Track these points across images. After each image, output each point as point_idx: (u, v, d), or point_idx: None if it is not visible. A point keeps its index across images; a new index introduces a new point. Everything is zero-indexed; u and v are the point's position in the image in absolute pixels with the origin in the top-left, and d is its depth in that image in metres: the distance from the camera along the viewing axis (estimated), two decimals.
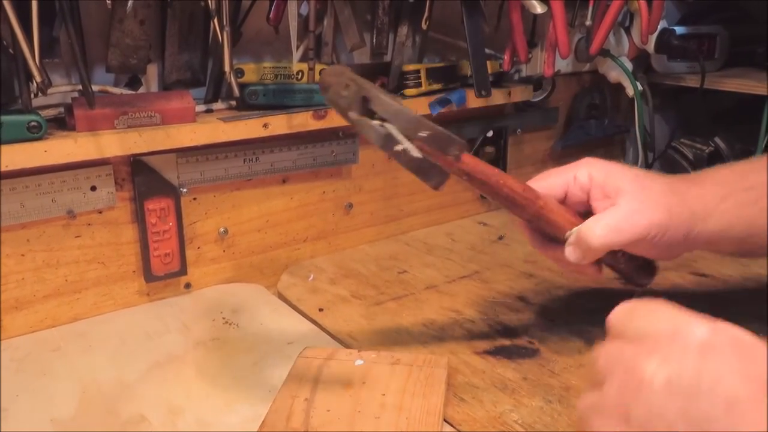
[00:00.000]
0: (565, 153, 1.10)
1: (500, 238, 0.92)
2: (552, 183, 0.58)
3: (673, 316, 0.34)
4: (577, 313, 0.70)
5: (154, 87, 0.73)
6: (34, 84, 0.58)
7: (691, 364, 0.31)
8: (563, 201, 0.58)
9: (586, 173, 0.57)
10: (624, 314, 0.37)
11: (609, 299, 0.72)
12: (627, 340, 0.35)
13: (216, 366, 0.61)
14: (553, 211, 0.57)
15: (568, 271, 0.60)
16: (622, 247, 0.55)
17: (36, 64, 0.56)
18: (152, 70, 0.72)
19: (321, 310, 0.72)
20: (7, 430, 0.53)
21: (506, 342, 0.65)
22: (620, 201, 0.54)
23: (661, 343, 0.32)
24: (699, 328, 0.32)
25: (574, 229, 0.56)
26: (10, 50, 0.57)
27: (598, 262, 0.58)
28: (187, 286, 0.77)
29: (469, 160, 0.53)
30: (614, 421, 0.33)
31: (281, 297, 0.77)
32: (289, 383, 0.55)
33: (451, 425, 0.53)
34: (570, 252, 0.56)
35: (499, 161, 0.99)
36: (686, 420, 0.30)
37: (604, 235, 0.54)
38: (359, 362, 0.58)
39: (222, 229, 0.77)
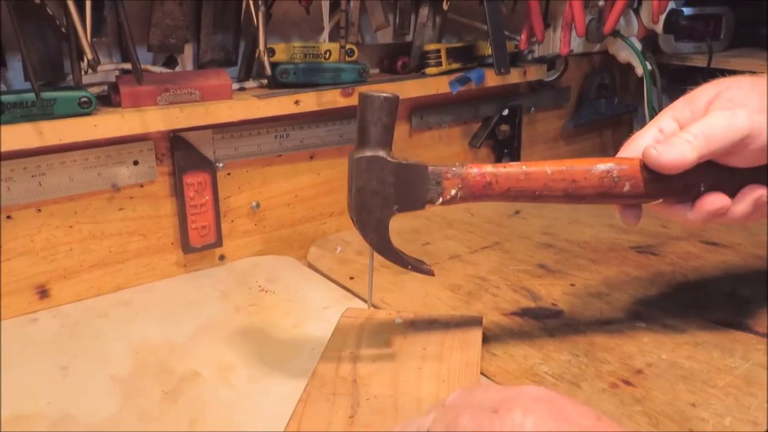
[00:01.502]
0: (576, 132, 1.14)
1: (516, 212, 0.96)
2: (641, 145, 0.53)
3: (505, 387, 0.43)
4: (595, 278, 0.74)
5: (189, 66, 0.76)
6: (85, 61, 0.61)
7: (547, 408, 0.37)
8: None
9: (670, 119, 0.54)
10: (467, 393, 0.42)
11: (625, 265, 0.76)
12: (480, 406, 0.39)
13: (259, 329, 0.65)
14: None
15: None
16: (721, 151, 0.51)
17: (88, 42, 0.59)
18: (187, 50, 0.75)
19: (352, 278, 0.75)
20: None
21: (531, 304, 0.69)
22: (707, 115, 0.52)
23: (516, 401, 0.38)
24: (535, 388, 0.39)
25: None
26: (63, 29, 0.61)
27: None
28: (222, 257, 0.80)
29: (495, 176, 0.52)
30: None
31: (312, 267, 0.80)
32: (334, 340, 0.59)
33: (487, 377, 0.57)
34: (661, 152, 0.50)
35: (514, 139, 1.02)
36: None
37: (695, 137, 0.50)
38: (398, 321, 0.61)
39: (254, 204, 0.81)
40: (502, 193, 0.52)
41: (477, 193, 0.52)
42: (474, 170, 0.52)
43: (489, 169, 0.52)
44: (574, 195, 0.53)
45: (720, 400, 0.52)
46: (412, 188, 0.52)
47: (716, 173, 0.53)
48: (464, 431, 0.38)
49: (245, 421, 0.51)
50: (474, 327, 0.60)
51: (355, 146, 0.52)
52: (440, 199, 0.52)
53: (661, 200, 0.54)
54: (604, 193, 0.53)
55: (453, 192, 0.52)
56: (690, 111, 0.53)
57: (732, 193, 0.53)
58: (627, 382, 0.55)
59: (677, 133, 0.52)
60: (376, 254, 0.56)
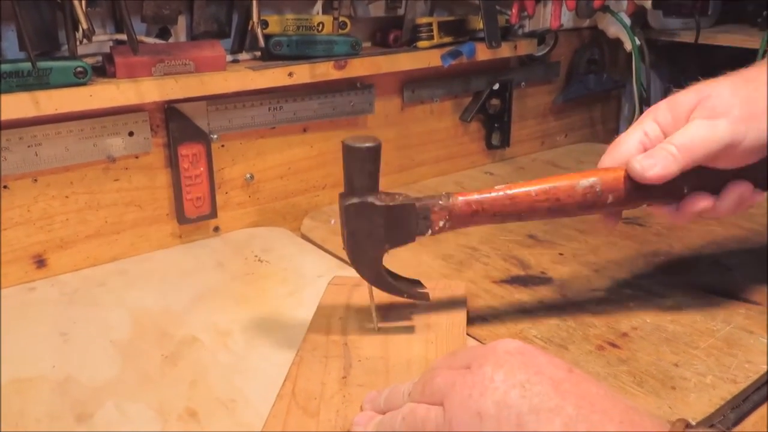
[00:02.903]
0: (566, 106, 1.15)
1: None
2: (626, 151, 0.54)
3: (480, 346, 0.45)
4: (583, 247, 0.75)
5: (182, 38, 0.76)
6: (80, 31, 0.61)
7: (518, 360, 0.39)
8: None
9: (653, 123, 0.55)
10: (449, 355, 0.45)
11: (612, 235, 0.78)
12: (459, 366, 0.41)
13: (254, 296, 0.66)
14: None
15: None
16: (703, 160, 0.52)
17: (83, 11, 0.60)
18: (181, 21, 0.75)
19: None
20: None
21: (521, 273, 0.70)
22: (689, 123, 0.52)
23: (489, 357, 0.40)
24: (508, 341, 0.41)
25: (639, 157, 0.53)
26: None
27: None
28: (216, 229, 0.81)
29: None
30: (468, 419, 0.38)
31: (305, 238, 0.82)
32: (323, 306, 0.61)
33: (478, 341, 0.58)
34: (645, 166, 0.52)
35: (504, 113, 1.03)
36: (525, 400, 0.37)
37: (677, 150, 0.51)
38: None
39: (248, 176, 0.81)
40: (489, 217, 0.54)
41: (465, 221, 0.54)
42: (460, 200, 0.54)
43: (475, 197, 0.54)
44: (558, 211, 0.54)
45: (702, 360, 0.54)
46: (401, 226, 0.53)
47: (699, 176, 0.53)
48: (438, 389, 0.40)
49: (243, 382, 0.52)
50: (458, 292, 0.62)
51: (344, 192, 0.53)
52: (429, 231, 0.54)
53: (645, 205, 0.56)
54: (588, 207, 0.54)
55: (441, 223, 0.54)
56: (672, 117, 0.54)
57: (716, 191, 0.55)
58: (613, 345, 0.57)
59: (660, 144, 0.52)
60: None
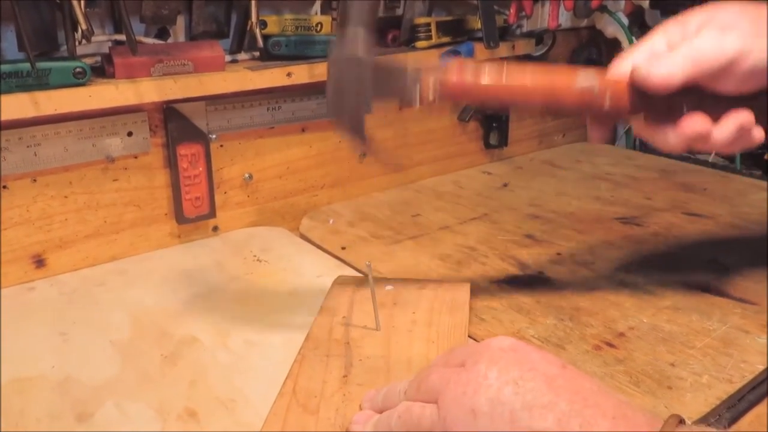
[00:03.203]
0: None
1: (505, 185, 0.97)
2: (630, 63, 0.52)
3: (475, 343, 0.45)
4: (581, 247, 0.76)
5: (181, 38, 0.77)
6: (79, 32, 0.62)
7: (512, 357, 0.39)
8: None
9: (661, 37, 0.53)
10: (446, 353, 0.45)
11: (609, 235, 0.78)
12: (454, 364, 0.42)
13: (254, 296, 0.67)
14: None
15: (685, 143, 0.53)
16: (709, 72, 0.50)
17: (83, 12, 0.60)
18: (179, 21, 0.76)
19: (344, 248, 0.77)
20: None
21: (518, 273, 0.71)
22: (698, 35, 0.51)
23: (483, 354, 0.40)
24: (503, 339, 0.41)
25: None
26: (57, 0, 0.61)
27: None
28: (215, 229, 0.81)
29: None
30: (462, 416, 0.38)
31: (304, 238, 0.82)
32: (327, 305, 0.61)
33: (475, 340, 0.59)
34: (650, 70, 0.50)
35: (502, 114, 1.03)
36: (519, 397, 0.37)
37: (683, 58, 0.50)
38: (389, 287, 0.63)
39: (247, 175, 0.82)
40: (480, 101, 0.52)
41: (454, 97, 0.52)
42: (454, 76, 0.51)
43: (469, 77, 0.51)
44: (552, 108, 0.52)
45: (698, 360, 0.55)
46: (390, 82, 0.52)
47: (700, 96, 0.52)
48: (433, 387, 0.41)
49: (243, 381, 0.53)
50: (461, 292, 0.62)
51: (337, 25, 0.51)
52: (417, 95, 0.52)
53: (641, 116, 0.53)
54: (584, 107, 0.52)
55: (430, 93, 0.52)
56: (681, 34, 0.53)
57: (715, 118, 0.52)
58: (610, 344, 0.57)
59: (666, 54, 0.51)
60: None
